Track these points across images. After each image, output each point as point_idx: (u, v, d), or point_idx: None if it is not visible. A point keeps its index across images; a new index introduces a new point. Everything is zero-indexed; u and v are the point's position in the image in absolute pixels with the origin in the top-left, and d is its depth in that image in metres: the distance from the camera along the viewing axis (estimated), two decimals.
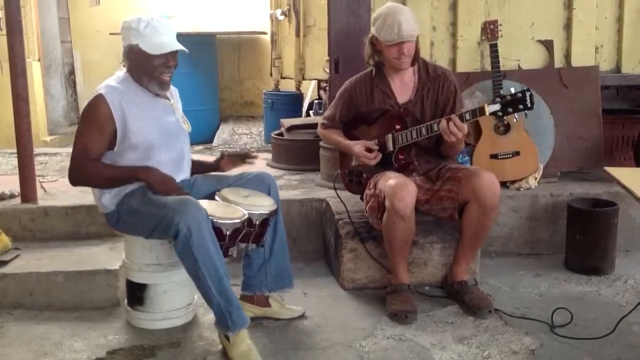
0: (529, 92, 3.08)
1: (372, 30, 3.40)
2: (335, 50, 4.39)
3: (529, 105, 3.08)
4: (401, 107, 3.47)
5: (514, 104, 3.09)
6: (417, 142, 3.38)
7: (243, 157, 3.32)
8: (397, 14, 3.27)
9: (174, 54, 2.98)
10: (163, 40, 2.95)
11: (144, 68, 2.97)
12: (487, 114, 3.14)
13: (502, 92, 4.14)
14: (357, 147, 3.47)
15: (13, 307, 3.31)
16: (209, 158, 3.40)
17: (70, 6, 8.04)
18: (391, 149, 3.43)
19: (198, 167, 3.27)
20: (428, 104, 3.47)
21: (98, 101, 2.91)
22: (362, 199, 3.60)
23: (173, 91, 3.21)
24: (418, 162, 3.49)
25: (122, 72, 3.04)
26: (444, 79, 3.48)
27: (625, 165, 4.52)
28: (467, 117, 3.19)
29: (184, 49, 2.98)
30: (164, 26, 2.97)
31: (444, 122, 3.18)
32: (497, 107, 3.12)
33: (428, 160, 3.51)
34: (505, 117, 3.25)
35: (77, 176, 2.96)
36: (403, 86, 3.50)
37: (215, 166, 3.30)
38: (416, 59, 3.44)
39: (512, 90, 3.15)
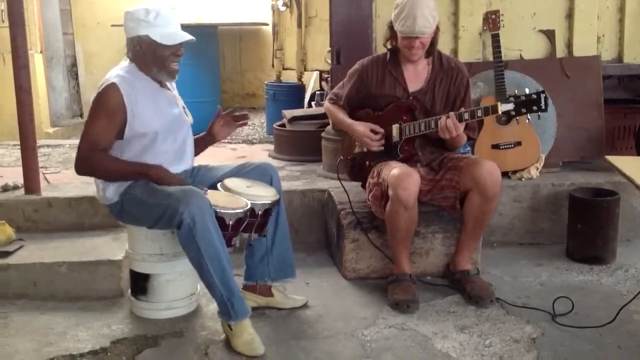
0: (544, 94, 3.08)
1: (392, 15, 3.36)
2: (337, 41, 4.40)
3: (543, 107, 3.08)
4: (411, 95, 3.46)
5: (528, 104, 3.10)
6: (423, 134, 3.39)
7: (234, 115, 3.28)
8: (416, 6, 3.22)
9: (182, 42, 2.99)
10: (174, 30, 2.97)
11: (154, 58, 2.96)
12: (500, 112, 3.14)
13: (504, 82, 4.16)
14: (361, 126, 3.45)
15: (17, 298, 3.33)
16: (202, 133, 3.37)
17: None
18: (397, 139, 3.43)
19: (196, 146, 3.24)
20: (439, 95, 3.46)
21: (111, 90, 2.90)
22: (363, 186, 3.61)
23: (173, 83, 3.22)
24: (422, 153, 3.49)
25: (126, 62, 3.03)
26: (457, 72, 3.48)
27: (627, 155, 4.51)
28: (479, 114, 3.20)
29: (193, 38, 2.99)
30: (172, 16, 2.98)
31: (443, 118, 3.19)
32: (510, 106, 3.12)
33: (431, 151, 3.51)
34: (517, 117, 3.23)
35: (85, 166, 2.96)
36: (416, 75, 3.48)
37: (209, 136, 3.27)
38: (432, 50, 3.42)
39: (527, 90, 3.14)
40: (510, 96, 3.16)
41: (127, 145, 2.96)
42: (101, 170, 2.97)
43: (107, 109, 2.90)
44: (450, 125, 3.18)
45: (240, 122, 3.31)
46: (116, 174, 2.97)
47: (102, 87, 2.93)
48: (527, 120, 4.11)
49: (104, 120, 2.90)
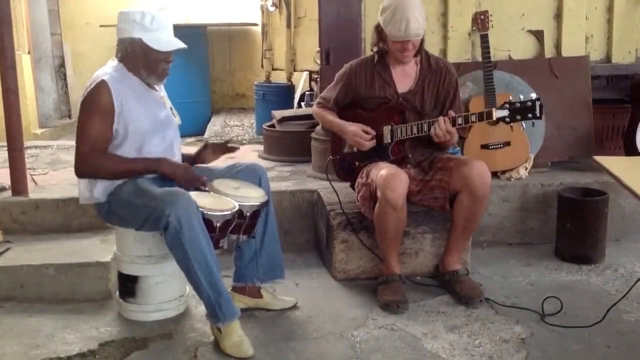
0: (539, 102, 3.08)
1: (380, 19, 3.34)
2: (326, 41, 4.38)
3: (538, 114, 3.09)
4: (400, 96, 3.45)
5: (522, 111, 3.10)
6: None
7: (224, 146, 3.29)
8: (406, 9, 3.21)
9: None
10: (168, 37, 2.96)
11: (145, 62, 2.96)
12: (494, 118, 3.15)
13: (493, 82, 4.16)
14: (353, 127, 3.43)
15: (4, 300, 3.31)
16: (191, 150, 3.37)
17: None
18: (389, 140, 3.42)
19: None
20: (428, 96, 3.46)
21: (101, 88, 2.88)
22: (352, 186, 3.60)
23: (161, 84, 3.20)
24: (412, 153, 3.48)
25: (114, 61, 3.02)
26: (445, 72, 3.48)
27: (616, 155, 4.52)
28: (474, 119, 3.21)
29: (185, 46, 2.97)
30: (167, 20, 2.97)
31: (437, 124, 3.19)
32: (505, 112, 3.12)
33: (421, 152, 3.51)
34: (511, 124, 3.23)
35: (87, 168, 2.94)
36: (404, 76, 3.48)
37: (197, 158, 3.26)
38: (420, 50, 3.42)
39: (521, 97, 3.15)
40: (505, 103, 3.16)
41: (114, 146, 2.94)
42: (104, 171, 2.94)
43: (100, 107, 2.89)
44: (444, 131, 3.19)
45: (229, 152, 3.30)
46: (120, 173, 2.94)
47: (92, 85, 2.92)
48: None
49: (99, 118, 2.89)
